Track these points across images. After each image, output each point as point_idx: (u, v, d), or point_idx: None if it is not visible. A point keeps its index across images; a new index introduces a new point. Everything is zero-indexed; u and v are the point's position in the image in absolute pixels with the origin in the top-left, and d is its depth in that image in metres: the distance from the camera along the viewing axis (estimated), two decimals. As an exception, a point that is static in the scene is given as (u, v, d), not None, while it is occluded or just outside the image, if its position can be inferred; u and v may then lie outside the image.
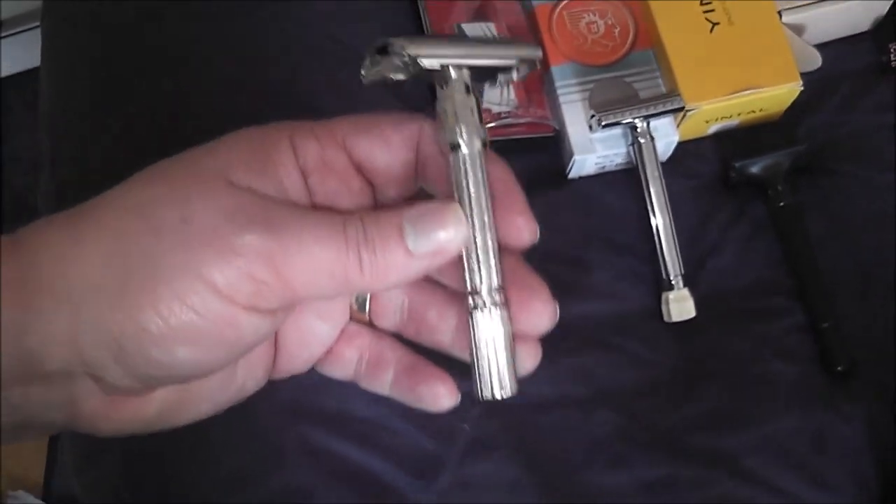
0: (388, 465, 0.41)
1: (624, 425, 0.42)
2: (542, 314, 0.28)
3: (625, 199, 0.47)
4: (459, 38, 0.27)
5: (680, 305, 0.44)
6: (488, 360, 0.27)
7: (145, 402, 0.27)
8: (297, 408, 0.41)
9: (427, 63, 0.27)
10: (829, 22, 0.49)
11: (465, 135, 0.27)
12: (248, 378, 0.29)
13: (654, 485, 0.41)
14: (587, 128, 0.46)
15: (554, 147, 0.48)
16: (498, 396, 0.28)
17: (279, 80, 0.49)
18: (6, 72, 0.97)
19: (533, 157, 0.47)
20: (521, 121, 0.46)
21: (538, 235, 0.29)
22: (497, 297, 0.27)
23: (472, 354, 0.28)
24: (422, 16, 0.49)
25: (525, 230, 0.28)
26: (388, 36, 0.27)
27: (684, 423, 0.42)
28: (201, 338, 0.25)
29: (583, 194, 0.47)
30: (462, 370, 0.31)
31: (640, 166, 0.45)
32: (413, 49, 0.26)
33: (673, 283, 0.44)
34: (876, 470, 0.41)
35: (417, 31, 0.50)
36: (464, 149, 0.27)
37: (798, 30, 0.49)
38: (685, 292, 0.44)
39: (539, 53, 0.29)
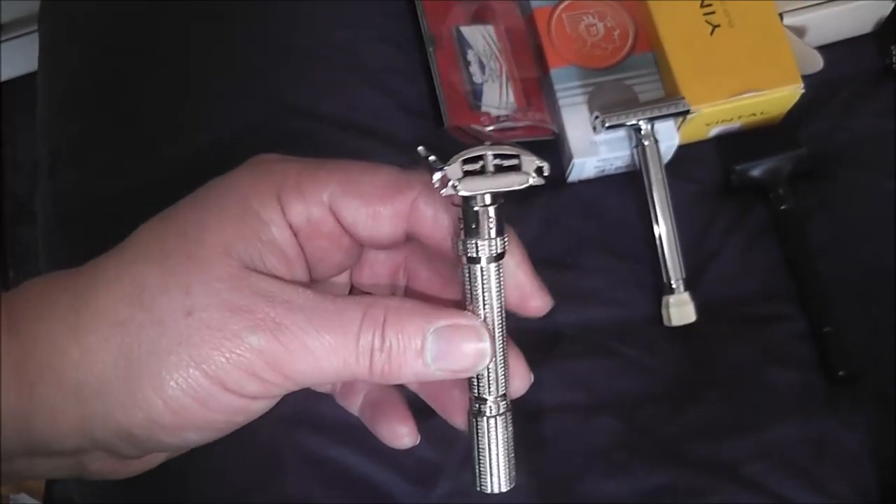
0: (387, 472, 0.41)
1: (624, 432, 0.42)
2: (521, 382, 0.29)
3: (624, 203, 0.47)
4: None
5: (680, 310, 0.44)
6: (490, 460, 0.28)
7: (152, 456, 0.29)
8: (295, 416, 0.40)
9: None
10: (831, 24, 0.49)
11: (483, 249, 0.26)
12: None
13: (654, 492, 0.41)
14: (587, 131, 0.46)
15: (553, 150, 0.47)
16: (497, 491, 0.28)
17: (279, 81, 0.49)
18: (6, 76, 0.96)
19: (532, 160, 0.47)
20: (520, 124, 0.46)
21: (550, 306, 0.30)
22: (502, 406, 0.28)
23: (473, 452, 0.28)
24: (419, 18, 0.49)
25: (539, 305, 0.29)
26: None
27: (684, 429, 0.42)
28: (211, 424, 0.26)
29: (582, 198, 0.47)
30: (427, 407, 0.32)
31: (643, 169, 0.45)
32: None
33: (674, 287, 0.44)
34: (876, 477, 0.41)
35: (416, 34, 0.49)
36: (483, 262, 0.26)
37: (799, 32, 0.48)
38: (686, 296, 0.44)
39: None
